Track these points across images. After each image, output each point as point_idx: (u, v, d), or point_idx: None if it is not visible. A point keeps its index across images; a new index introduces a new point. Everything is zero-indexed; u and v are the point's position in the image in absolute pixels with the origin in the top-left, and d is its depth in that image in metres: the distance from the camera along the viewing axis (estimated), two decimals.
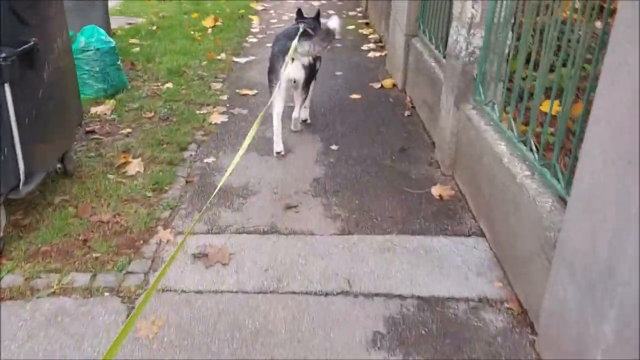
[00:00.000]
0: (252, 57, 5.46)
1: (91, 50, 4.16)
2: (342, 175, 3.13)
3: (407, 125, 3.84)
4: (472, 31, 2.76)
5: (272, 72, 3.33)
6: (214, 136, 3.63)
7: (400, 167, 3.24)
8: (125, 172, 3.06)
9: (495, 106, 2.61)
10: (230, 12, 7.40)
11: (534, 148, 2.19)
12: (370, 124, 3.85)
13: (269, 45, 5.73)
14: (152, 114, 3.94)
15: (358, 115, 4.01)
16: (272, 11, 7.77)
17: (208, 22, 6.57)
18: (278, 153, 3.35)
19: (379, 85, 4.59)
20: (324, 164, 3.27)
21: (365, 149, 3.46)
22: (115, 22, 6.66)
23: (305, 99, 3.63)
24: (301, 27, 3.41)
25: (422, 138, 3.63)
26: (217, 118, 3.90)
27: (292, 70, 3.26)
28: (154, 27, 6.44)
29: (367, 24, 6.89)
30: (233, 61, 5.34)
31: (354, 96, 4.39)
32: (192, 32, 6.29)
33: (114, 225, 2.58)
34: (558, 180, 1.96)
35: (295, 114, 3.65)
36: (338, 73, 4.97)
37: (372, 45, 5.87)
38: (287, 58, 3.18)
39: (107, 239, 2.48)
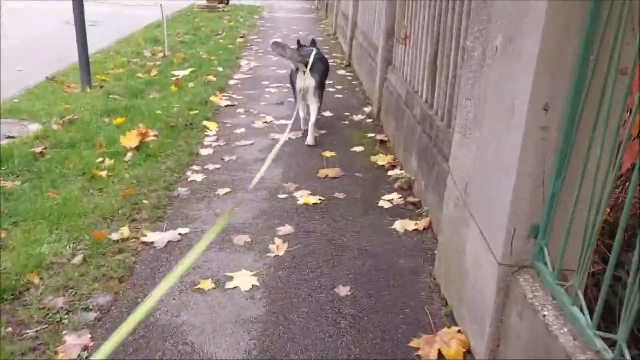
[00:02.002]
0: (183, 230, 2.96)
1: None
2: None
3: None
4: None
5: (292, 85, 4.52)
6: None
7: None
8: None
9: None
10: (178, 114, 4.98)
11: None
12: None
13: (223, 192, 3.52)
14: None
15: None
16: (240, 110, 5.35)
17: (130, 140, 4.11)
18: (306, 131, 4.42)
19: (435, 355, 2.08)
20: None
21: None
22: None
23: (318, 109, 4.41)
24: (314, 50, 4.45)
25: None
26: None
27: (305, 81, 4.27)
28: (42, 148, 3.99)
29: (383, 142, 4.47)
30: (142, 243, 2.84)
31: None
32: (101, 160, 3.83)
33: None
34: None
35: (310, 122, 4.38)
36: (343, 292, 2.44)
37: (397, 199, 3.41)
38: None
39: None
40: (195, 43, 8.98)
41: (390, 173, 3.83)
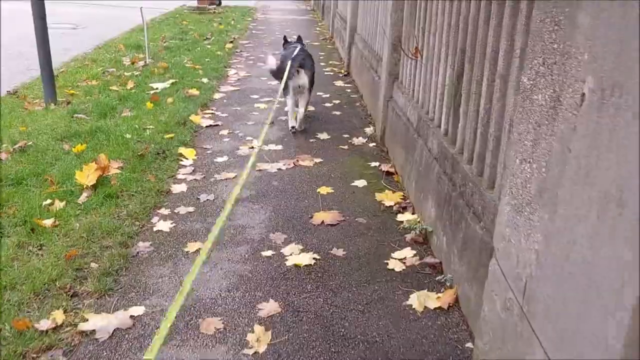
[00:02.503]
0: (137, 310, 2.28)
1: None
2: None
3: None
4: None
5: (286, 87, 4.45)
6: None
7: None
8: None
9: None
10: (151, 137, 4.29)
11: None
12: None
13: (194, 248, 2.92)
14: None
15: None
16: (224, 131, 4.66)
17: (88, 175, 3.42)
18: (292, 127, 4.56)
19: None
20: None
21: None
22: None
23: (307, 103, 4.68)
24: (299, 45, 4.73)
25: None
26: None
27: (299, 79, 4.47)
28: None
29: (389, 174, 3.79)
30: (80, 333, 2.15)
31: None
32: (49, 202, 3.15)
33: None
34: None
35: (299, 114, 4.60)
36: None
37: (410, 257, 2.72)
38: (289, 71, 4.38)
39: None
40: (180, 49, 8.28)
41: (400, 217, 3.15)
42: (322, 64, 7.57)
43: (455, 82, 2.68)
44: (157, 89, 5.80)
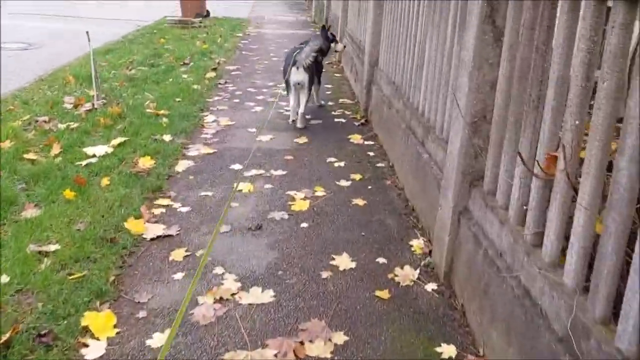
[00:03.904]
0: None
1: None
2: None
3: None
4: None
5: (286, 82, 4.72)
6: None
7: None
8: None
9: None
10: (42, 283, 2.44)
11: None
12: None
13: None
14: None
15: None
16: (179, 252, 2.78)
17: None
18: (293, 121, 4.76)
19: None
20: None
21: None
22: None
23: (307, 100, 4.75)
24: (311, 41, 4.86)
25: None
26: None
27: (296, 76, 4.58)
28: None
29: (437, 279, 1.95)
30: None
31: None
32: None
33: None
34: None
35: (300, 110, 4.70)
36: None
37: None
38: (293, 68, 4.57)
39: None
40: (147, 80, 6.43)
41: None
42: (331, 103, 5.73)
43: None
44: (93, 156, 3.97)
